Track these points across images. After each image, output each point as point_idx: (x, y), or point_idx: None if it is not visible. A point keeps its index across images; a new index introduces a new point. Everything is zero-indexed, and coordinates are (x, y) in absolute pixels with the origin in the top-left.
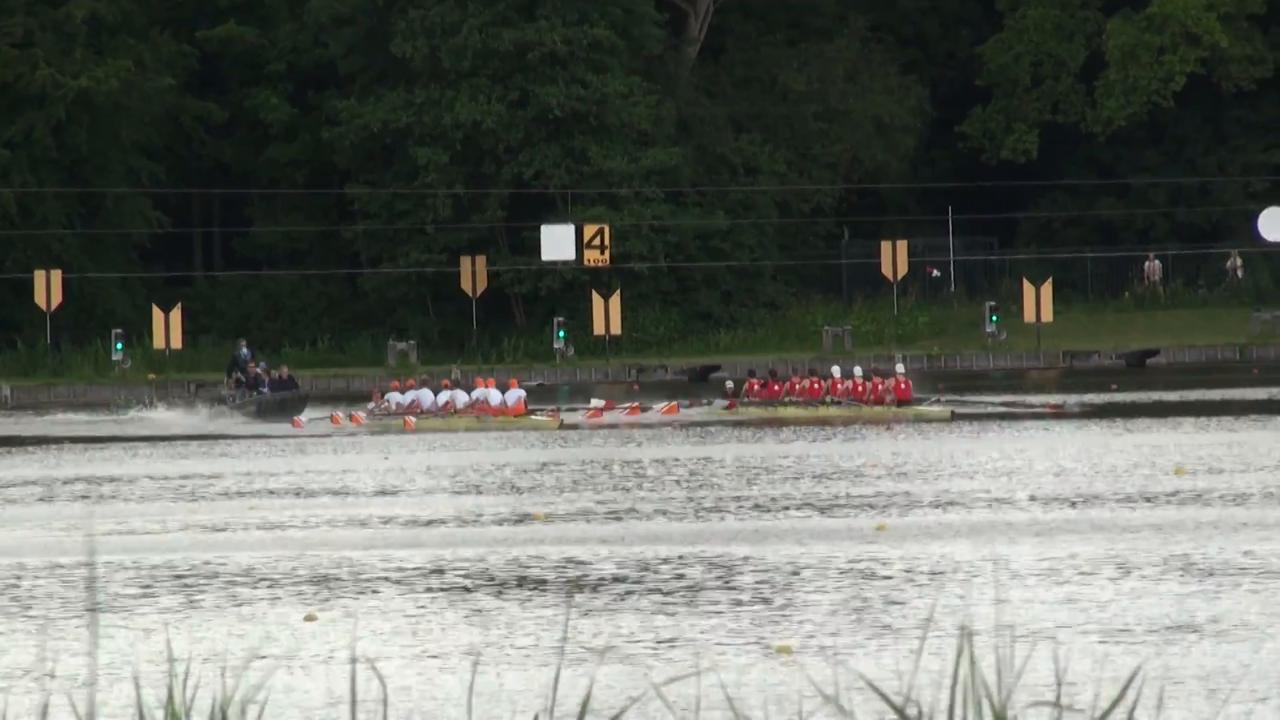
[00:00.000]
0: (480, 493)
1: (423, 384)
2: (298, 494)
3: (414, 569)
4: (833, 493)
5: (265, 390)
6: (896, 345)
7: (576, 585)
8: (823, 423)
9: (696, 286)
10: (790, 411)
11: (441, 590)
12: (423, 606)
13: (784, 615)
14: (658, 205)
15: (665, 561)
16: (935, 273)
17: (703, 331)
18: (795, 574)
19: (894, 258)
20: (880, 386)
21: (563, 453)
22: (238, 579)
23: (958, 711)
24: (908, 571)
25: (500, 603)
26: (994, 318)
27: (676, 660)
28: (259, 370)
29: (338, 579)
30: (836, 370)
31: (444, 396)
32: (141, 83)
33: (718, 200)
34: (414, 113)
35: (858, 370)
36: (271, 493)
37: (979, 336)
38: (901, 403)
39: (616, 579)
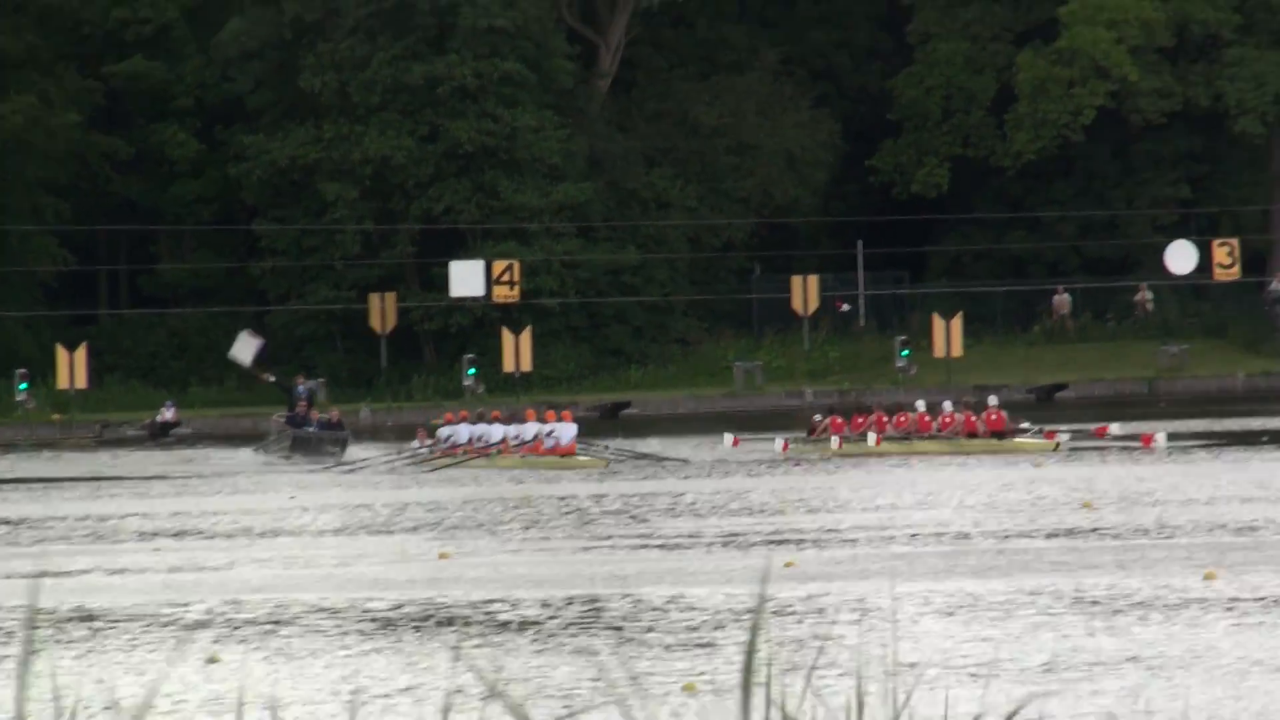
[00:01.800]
0: (389, 532)
1: (477, 418)
2: (200, 535)
3: (317, 610)
4: (745, 528)
5: (313, 429)
6: (807, 380)
7: (476, 624)
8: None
9: (607, 322)
10: (886, 447)
11: (343, 631)
12: (321, 648)
13: (688, 653)
14: (568, 240)
15: (570, 601)
16: (846, 307)
17: (613, 368)
18: (702, 612)
19: (805, 292)
20: (971, 419)
21: (485, 490)
22: (139, 620)
23: None
24: (814, 609)
25: (399, 643)
26: (904, 352)
27: (575, 699)
28: (309, 408)
29: (240, 620)
30: (921, 405)
31: (499, 432)
32: (46, 118)
33: (629, 235)
34: (322, 148)
35: (947, 405)
36: (178, 533)
37: (889, 371)
38: (995, 434)
39: (519, 618)
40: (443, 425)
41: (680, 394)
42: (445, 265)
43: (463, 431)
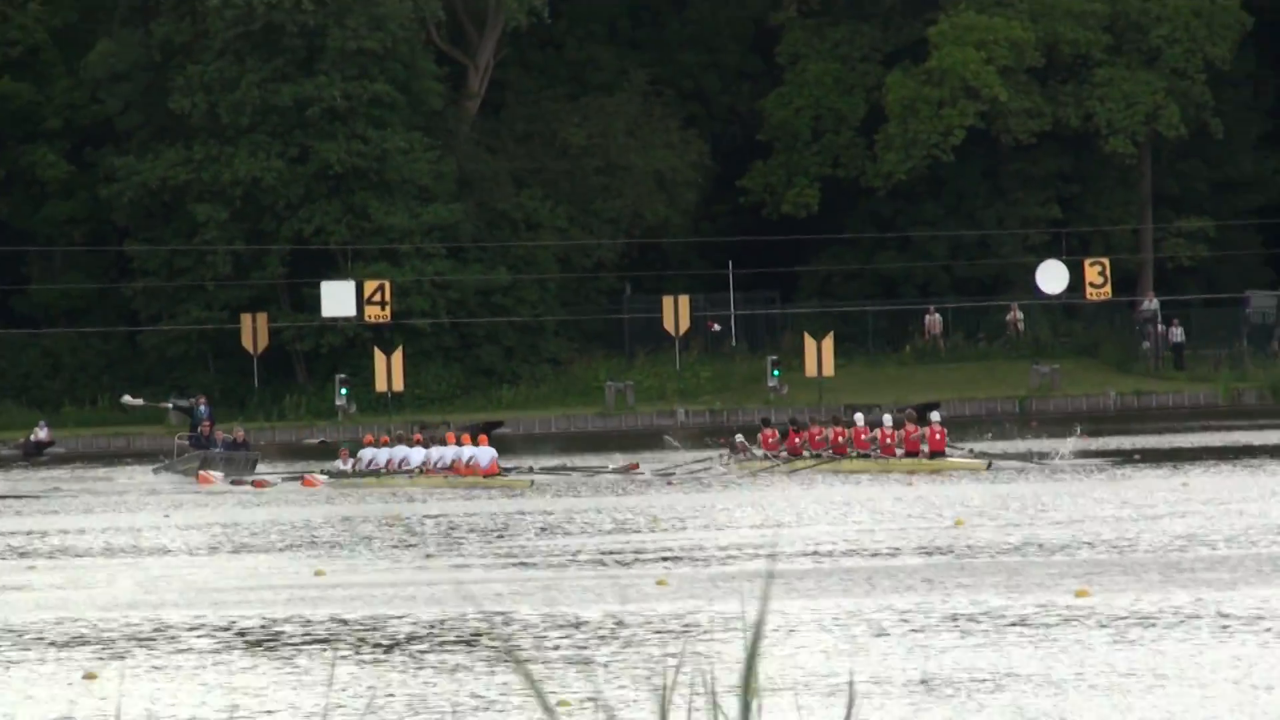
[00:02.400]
0: (259, 552)
1: (397, 440)
2: (76, 552)
3: (193, 627)
4: (622, 546)
5: (219, 449)
6: (679, 400)
7: (343, 642)
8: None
9: (479, 342)
10: (809, 465)
11: (220, 648)
12: (198, 664)
13: (561, 671)
14: (439, 261)
15: (442, 619)
16: (716, 327)
17: (485, 387)
18: (574, 629)
19: (676, 312)
20: (912, 435)
21: (359, 509)
22: (14, 637)
23: None
24: (684, 626)
25: (272, 660)
26: (775, 371)
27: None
28: (213, 430)
29: (116, 636)
30: (859, 419)
31: (419, 455)
32: None
33: (499, 256)
34: (193, 169)
35: (886, 419)
36: (54, 551)
37: (761, 390)
38: (934, 454)
39: (389, 636)
40: (364, 447)
41: (552, 414)
42: (316, 286)
43: (382, 454)
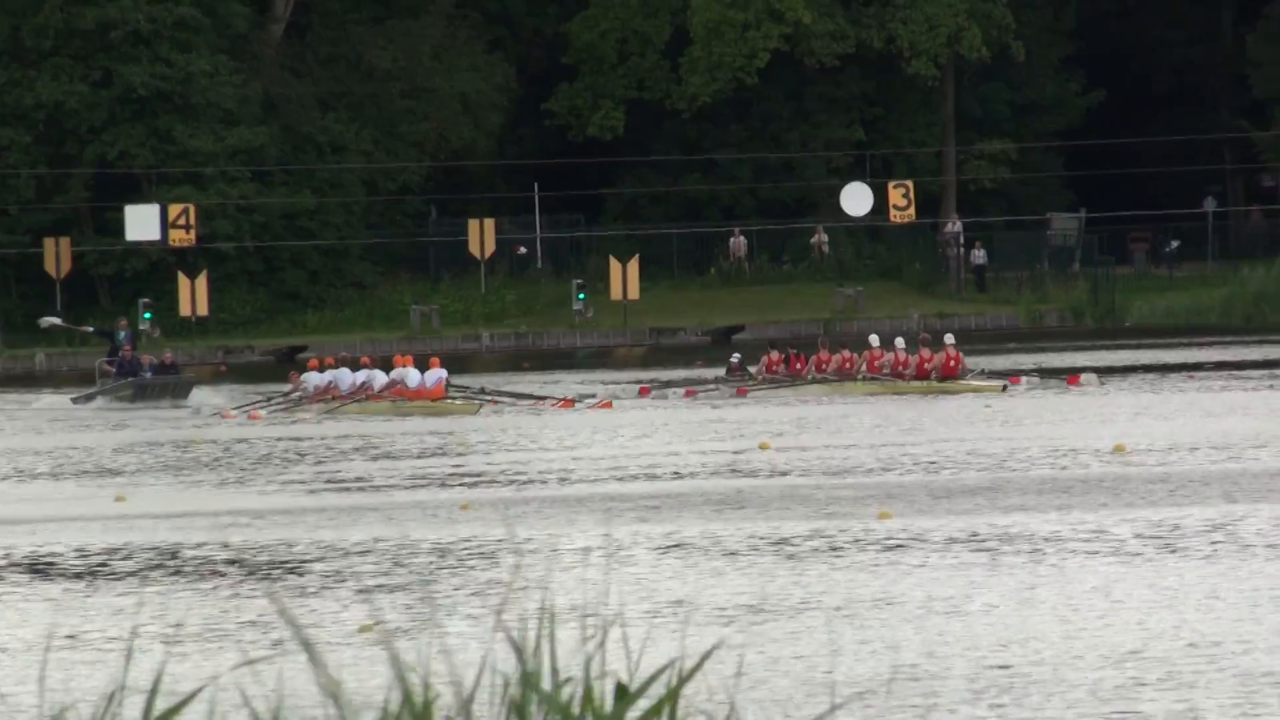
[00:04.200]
0: (58, 477)
1: (342, 362)
2: None
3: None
4: (430, 470)
5: (148, 374)
6: (484, 323)
7: (153, 567)
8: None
9: (284, 266)
10: (818, 390)
11: (20, 577)
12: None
13: (366, 595)
14: (244, 185)
15: (247, 544)
16: (523, 250)
17: (290, 311)
18: (378, 553)
19: (481, 236)
20: (926, 361)
21: (165, 433)
22: None
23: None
24: (489, 551)
25: (76, 586)
26: (581, 295)
27: (258, 642)
28: (135, 353)
29: None
30: (875, 340)
31: (361, 377)
32: None
33: (304, 179)
34: None
35: (899, 342)
36: None
37: (566, 314)
38: (947, 378)
39: (195, 560)
40: (309, 371)
41: (357, 337)
42: (120, 210)
43: (326, 377)
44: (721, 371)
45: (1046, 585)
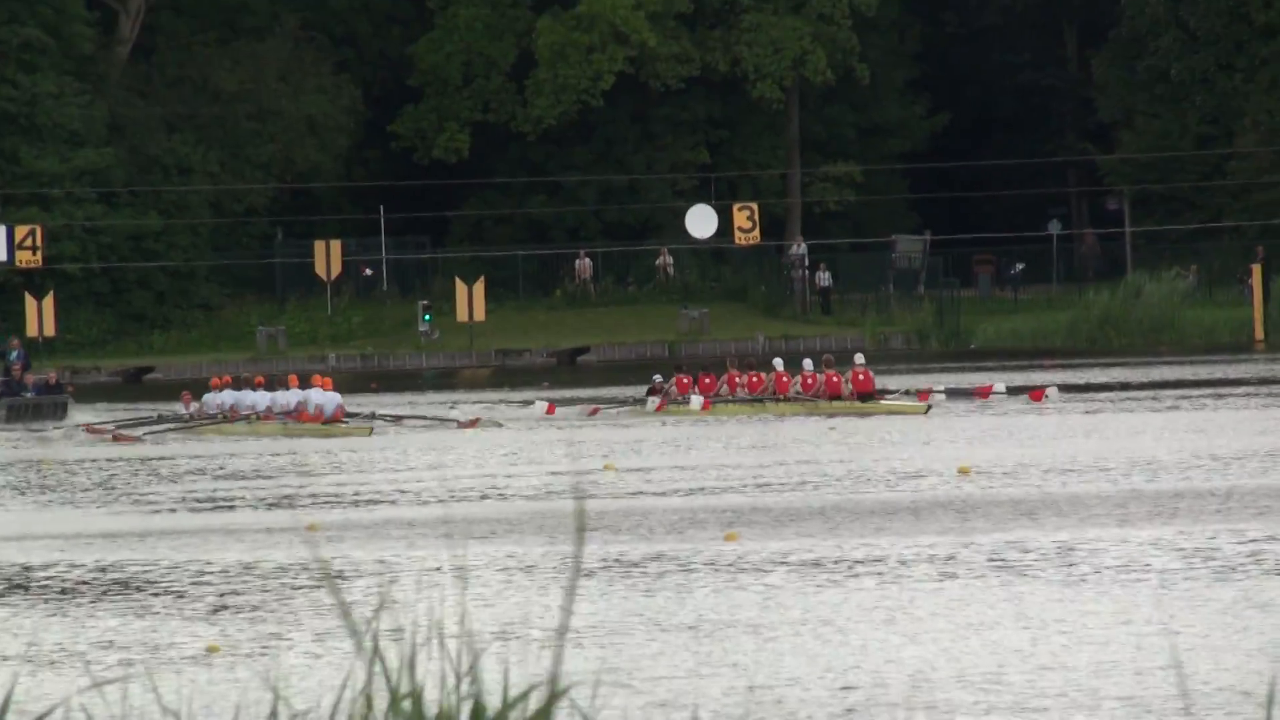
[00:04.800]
0: None
1: (241, 383)
2: None
3: None
4: (279, 491)
5: (31, 393)
6: (330, 345)
7: None
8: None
9: (130, 287)
10: (731, 410)
11: None
12: None
13: (211, 615)
14: (90, 206)
15: (77, 563)
16: (369, 271)
17: (137, 333)
18: (222, 573)
19: (327, 257)
20: (835, 380)
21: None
22: None
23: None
24: (337, 571)
25: None
26: (427, 316)
27: (103, 663)
28: (23, 373)
29: None
30: (779, 363)
31: (265, 399)
32: None
33: (151, 201)
34: None
35: (807, 363)
36: None
37: (412, 336)
38: (863, 396)
39: (34, 580)
40: (209, 391)
41: (203, 359)
42: None
43: (226, 398)
44: (636, 391)
45: (889, 606)
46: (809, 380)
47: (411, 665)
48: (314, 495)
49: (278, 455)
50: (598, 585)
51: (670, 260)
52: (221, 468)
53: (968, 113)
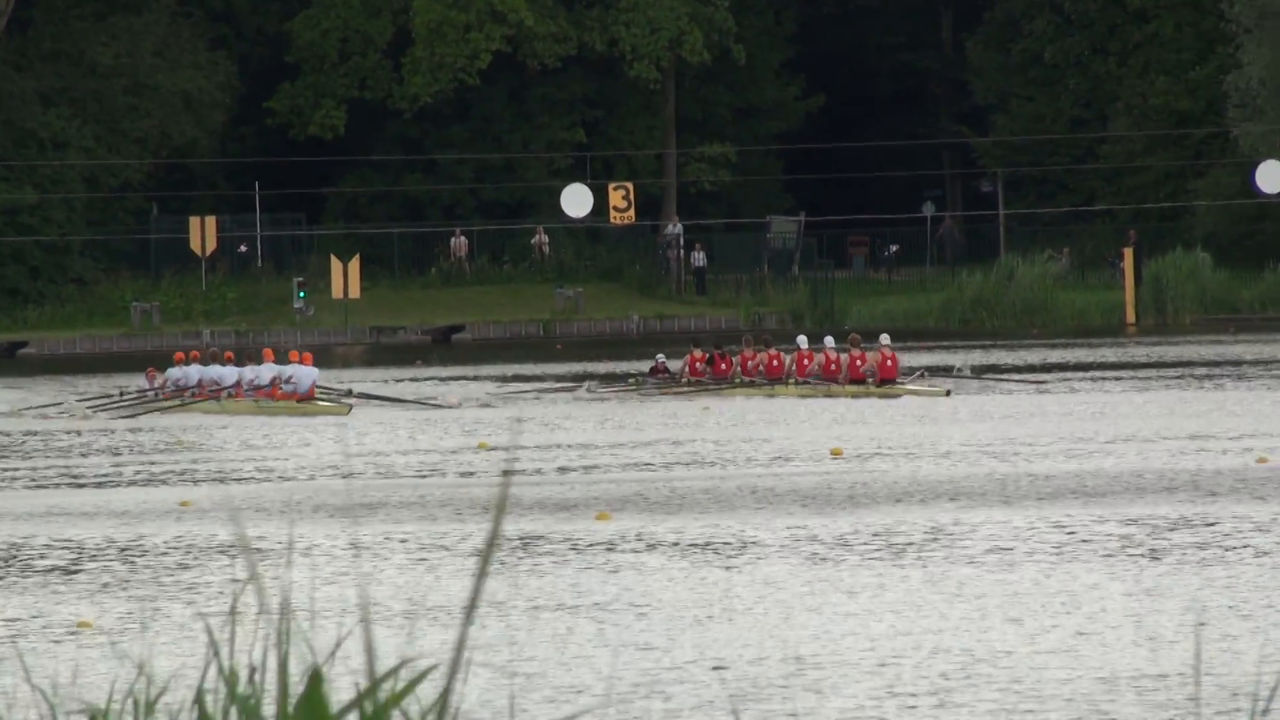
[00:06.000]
0: None
1: (210, 358)
2: None
3: None
4: (152, 468)
5: None
6: (205, 321)
7: None
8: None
9: (4, 262)
10: (746, 394)
11: None
12: None
13: (84, 590)
14: None
15: None
16: (244, 248)
17: (10, 308)
18: (92, 549)
19: (202, 233)
20: (860, 362)
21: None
22: None
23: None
24: (204, 548)
25: None
26: (301, 293)
27: None
28: None
29: None
30: (803, 341)
31: (236, 374)
32: None
33: (26, 175)
34: None
35: (829, 341)
36: None
37: (287, 312)
38: (885, 381)
39: None
40: (174, 366)
41: (77, 334)
42: None
43: (193, 373)
44: (641, 368)
45: (756, 587)
46: (832, 363)
47: (278, 640)
48: (191, 471)
49: (222, 429)
50: (464, 564)
51: (546, 239)
52: (115, 446)
53: (843, 94)
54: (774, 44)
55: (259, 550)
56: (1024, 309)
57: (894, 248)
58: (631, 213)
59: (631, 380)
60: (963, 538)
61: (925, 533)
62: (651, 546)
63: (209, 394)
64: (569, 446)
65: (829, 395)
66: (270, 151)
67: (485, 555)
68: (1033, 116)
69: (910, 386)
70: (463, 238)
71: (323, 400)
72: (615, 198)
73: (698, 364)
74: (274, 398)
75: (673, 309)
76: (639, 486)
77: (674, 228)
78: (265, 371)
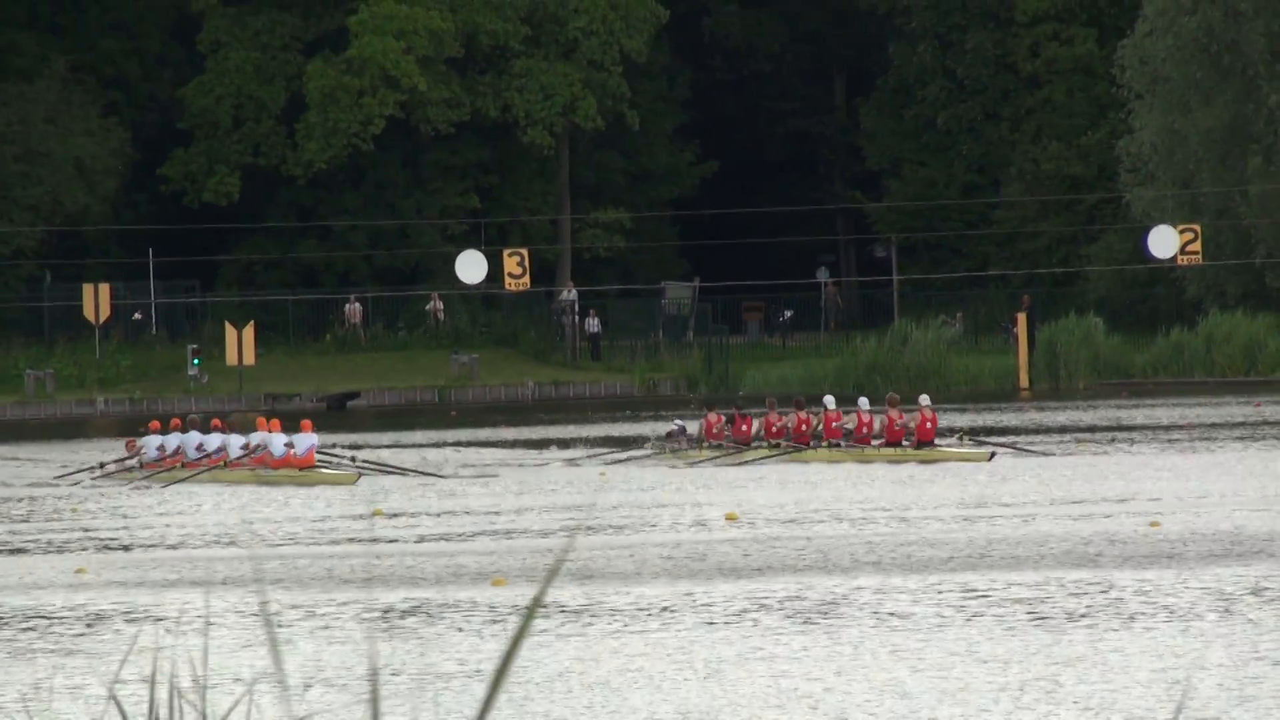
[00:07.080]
0: None
1: (190, 425)
2: None
3: None
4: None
5: None
6: (99, 389)
7: None
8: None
9: None
10: (764, 456)
11: None
12: None
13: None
14: None
15: None
16: (138, 315)
17: None
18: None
19: (96, 300)
20: (896, 423)
21: None
22: None
23: None
24: (100, 617)
25: None
26: (196, 360)
27: None
28: None
29: None
30: (830, 401)
31: (215, 441)
32: None
33: None
34: None
35: (863, 402)
36: None
37: (181, 380)
38: (922, 443)
39: None
40: (148, 434)
41: None
42: None
43: (171, 441)
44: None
45: (651, 654)
46: (864, 425)
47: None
48: (90, 537)
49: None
50: (356, 632)
51: (441, 305)
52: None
53: (737, 159)
54: (668, 110)
55: (146, 619)
56: (918, 374)
57: (788, 313)
58: (526, 279)
59: (649, 446)
60: (850, 605)
61: (831, 599)
62: (557, 612)
63: (197, 464)
64: (460, 513)
65: (862, 460)
66: (164, 218)
67: (525, 620)
68: (926, 182)
69: (953, 450)
70: (357, 304)
71: (326, 467)
72: (510, 264)
73: (713, 427)
74: (272, 466)
75: (568, 375)
76: (536, 550)
77: (569, 294)
78: (256, 439)
